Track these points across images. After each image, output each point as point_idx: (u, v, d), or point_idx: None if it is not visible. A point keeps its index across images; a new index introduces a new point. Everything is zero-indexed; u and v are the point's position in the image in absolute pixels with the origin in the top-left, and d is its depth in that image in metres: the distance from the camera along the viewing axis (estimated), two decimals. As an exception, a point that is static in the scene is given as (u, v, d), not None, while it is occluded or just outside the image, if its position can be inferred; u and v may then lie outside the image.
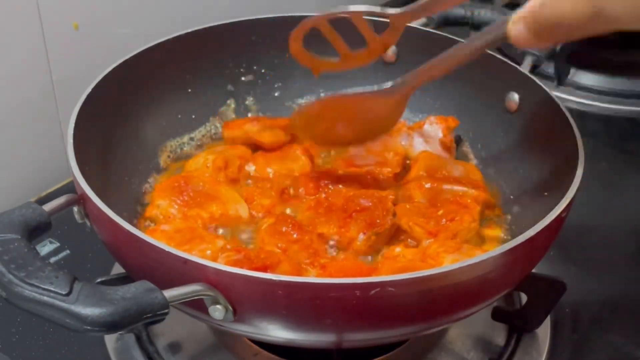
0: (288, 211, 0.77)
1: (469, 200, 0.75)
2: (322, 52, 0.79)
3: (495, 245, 0.74)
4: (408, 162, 0.84)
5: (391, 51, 0.89)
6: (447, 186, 0.78)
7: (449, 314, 0.61)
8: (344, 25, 0.78)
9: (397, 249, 0.72)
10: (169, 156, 0.84)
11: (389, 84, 0.72)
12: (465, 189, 0.77)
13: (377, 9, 0.74)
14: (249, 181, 0.81)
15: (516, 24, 0.59)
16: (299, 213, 0.76)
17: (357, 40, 0.78)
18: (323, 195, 0.77)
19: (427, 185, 0.78)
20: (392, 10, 0.74)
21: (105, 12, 0.94)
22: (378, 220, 0.72)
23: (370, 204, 0.73)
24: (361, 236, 0.71)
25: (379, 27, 0.76)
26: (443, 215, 0.74)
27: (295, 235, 0.70)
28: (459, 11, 1.11)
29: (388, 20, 0.74)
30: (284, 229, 0.71)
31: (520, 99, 0.80)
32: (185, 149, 0.86)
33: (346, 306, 0.55)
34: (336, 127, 0.77)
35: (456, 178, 0.79)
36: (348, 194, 0.76)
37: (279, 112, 0.91)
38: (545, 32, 0.57)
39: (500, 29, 0.63)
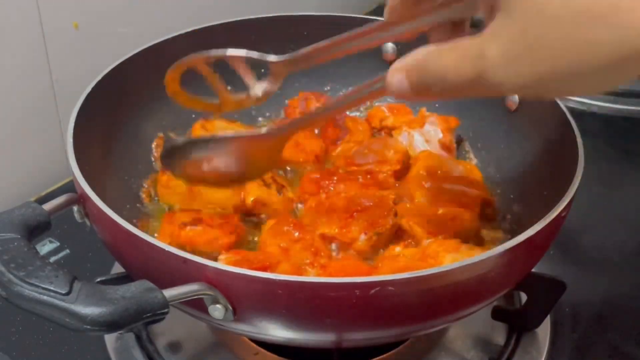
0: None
1: (468, 200, 0.75)
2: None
3: (495, 244, 0.74)
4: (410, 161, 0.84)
5: (391, 49, 0.89)
6: (447, 186, 0.78)
7: (449, 313, 0.61)
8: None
9: (397, 249, 0.72)
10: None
11: (264, 130, 0.69)
12: (465, 188, 0.77)
13: (256, 55, 0.71)
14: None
15: (396, 73, 0.54)
16: (300, 213, 0.76)
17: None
18: (324, 196, 0.77)
19: (427, 185, 0.78)
20: (272, 58, 0.71)
21: (105, 12, 0.94)
22: (379, 220, 0.72)
23: (372, 203, 0.73)
24: (362, 236, 0.71)
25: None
26: (443, 214, 0.74)
27: (296, 234, 0.71)
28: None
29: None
30: (285, 228, 0.71)
31: (520, 98, 0.80)
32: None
33: (346, 305, 0.55)
34: (212, 166, 0.72)
35: (456, 178, 0.79)
36: (349, 194, 0.76)
37: (278, 111, 0.91)
38: (424, 86, 0.52)
39: (379, 82, 0.60)
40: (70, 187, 0.65)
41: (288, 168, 0.83)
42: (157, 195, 0.79)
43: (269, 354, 0.72)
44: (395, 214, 0.73)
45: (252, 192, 0.77)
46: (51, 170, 0.94)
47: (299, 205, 0.77)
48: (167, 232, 0.72)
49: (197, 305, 0.55)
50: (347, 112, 0.91)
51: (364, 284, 0.53)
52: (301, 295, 0.54)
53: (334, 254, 0.72)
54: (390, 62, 0.88)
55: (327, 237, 0.72)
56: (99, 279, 0.71)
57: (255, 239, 0.74)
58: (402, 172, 0.81)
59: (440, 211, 0.74)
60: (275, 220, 0.73)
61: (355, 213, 0.72)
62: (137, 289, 0.51)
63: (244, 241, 0.74)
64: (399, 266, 0.68)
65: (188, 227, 0.71)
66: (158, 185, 0.78)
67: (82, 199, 0.63)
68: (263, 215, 0.76)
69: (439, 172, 0.80)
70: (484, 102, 0.85)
